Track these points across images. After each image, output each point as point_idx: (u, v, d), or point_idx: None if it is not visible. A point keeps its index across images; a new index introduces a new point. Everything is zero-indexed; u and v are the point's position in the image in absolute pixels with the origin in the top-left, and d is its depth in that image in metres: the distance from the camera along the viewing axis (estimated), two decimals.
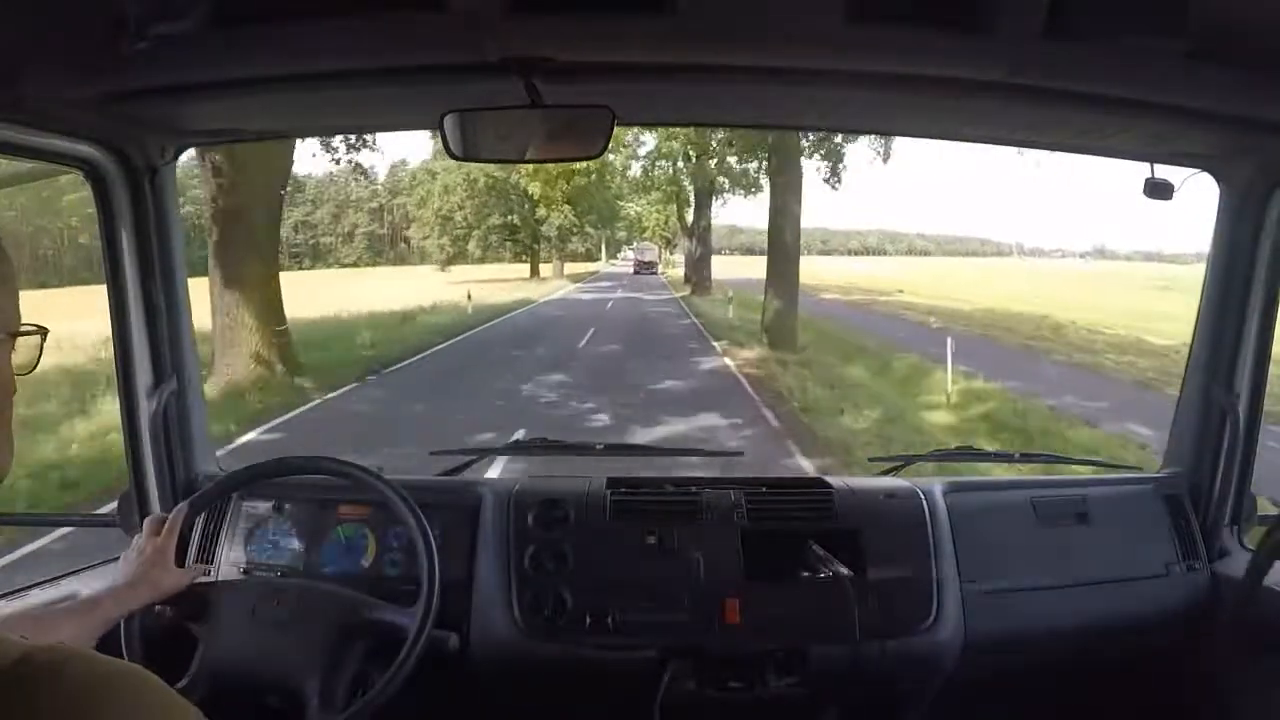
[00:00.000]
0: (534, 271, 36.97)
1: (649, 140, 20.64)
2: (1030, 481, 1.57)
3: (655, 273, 40.72)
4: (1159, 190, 1.32)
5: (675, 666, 1.24)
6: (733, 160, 19.78)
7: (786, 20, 0.87)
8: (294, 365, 9.23)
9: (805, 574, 1.28)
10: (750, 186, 21.86)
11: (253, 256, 9.04)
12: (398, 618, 1.14)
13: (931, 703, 1.37)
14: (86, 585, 1.28)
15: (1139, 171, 1.33)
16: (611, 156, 21.74)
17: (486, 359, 11.27)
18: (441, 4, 0.80)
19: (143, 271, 1.32)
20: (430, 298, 19.72)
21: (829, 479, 1.47)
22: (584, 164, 16.81)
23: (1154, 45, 0.85)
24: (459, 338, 13.74)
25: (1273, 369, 1.40)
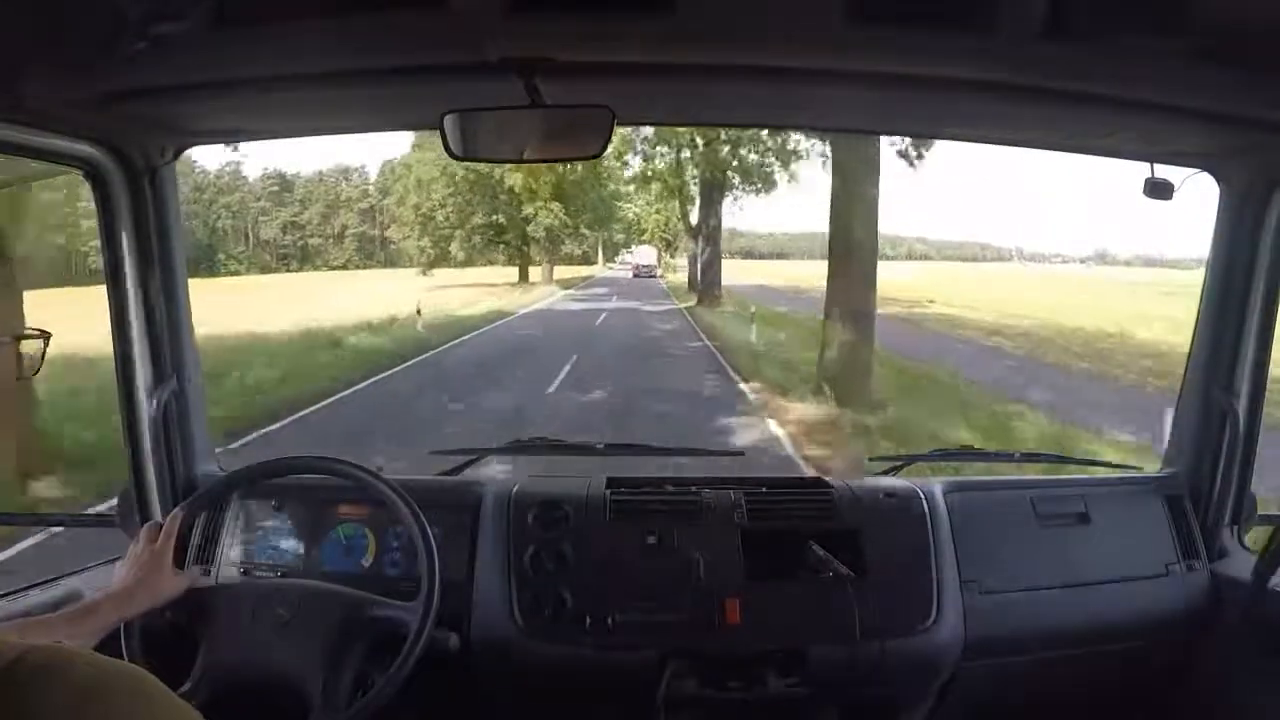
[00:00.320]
0: (523, 276, 33.48)
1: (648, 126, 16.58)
2: (1030, 481, 1.57)
3: (654, 275, 40.13)
4: (1159, 190, 1.32)
5: (675, 666, 1.24)
6: (745, 153, 18.49)
7: (786, 20, 0.87)
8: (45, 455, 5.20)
9: (805, 574, 1.28)
10: (764, 182, 20.30)
11: None
12: (399, 613, 1.14)
13: (932, 703, 1.37)
14: (86, 586, 1.28)
15: (1138, 175, 1.33)
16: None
17: (399, 421, 7.03)
18: (441, 4, 0.80)
19: (143, 271, 1.32)
20: (391, 308, 16.34)
21: (829, 479, 1.47)
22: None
23: (1154, 45, 0.85)
24: (384, 374, 9.76)
25: (1273, 369, 1.40)
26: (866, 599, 1.23)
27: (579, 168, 23.66)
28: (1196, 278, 1.47)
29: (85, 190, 1.25)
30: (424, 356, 11.50)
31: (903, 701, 1.36)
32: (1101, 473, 1.67)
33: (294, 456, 1.29)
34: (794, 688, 1.25)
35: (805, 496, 1.40)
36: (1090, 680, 1.44)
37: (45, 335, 0.59)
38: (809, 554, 1.29)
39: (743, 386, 9.00)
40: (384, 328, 14.49)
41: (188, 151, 1.37)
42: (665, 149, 20.30)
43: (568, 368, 9.84)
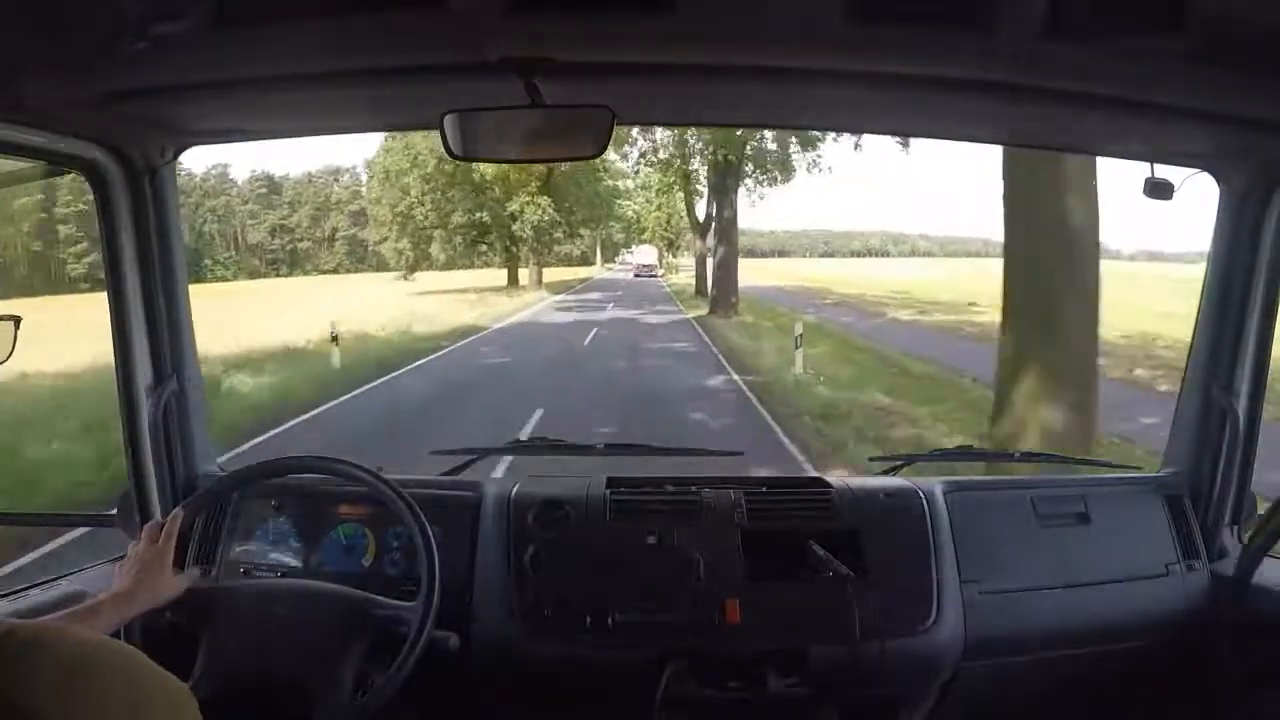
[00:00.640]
0: (512, 279, 29.40)
1: None
2: (1030, 481, 1.57)
3: (655, 275, 39.99)
4: (1159, 190, 1.32)
5: (675, 666, 1.24)
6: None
7: (786, 20, 0.87)
8: None
9: (805, 574, 1.28)
10: (782, 170, 18.10)
11: None
12: (400, 613, 1.14)
13: (932, 703, 1.37)
14: (86, 586, 1.27)
15: (1139, 169, 1.33)
16: None
17: None
18: (441, 4, 0.80)
19: (143, 271, 1.32)
20: (349, 322, 13.15)
21: (829, 479, 1.47)
22: None
23: (1154, 45, 0.85)
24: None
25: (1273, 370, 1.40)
26: (866, 599, 1.23)
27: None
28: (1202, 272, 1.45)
29: (63, 195, 1.24)
30: (311, 414, 7.50)
31: (903, 701, 1.36)
32: (1101, 473, 1.67)
33: (294, 456, 1.29)
34: (794, 688, 1.25)
35: (805, 496, 1.40)
36: (1090, 680, 1.44)
37: (15, 320, 0.59)
38: (809, 554, 1.29)
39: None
40: (288, 360, 10.41)
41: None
42: (669, 131, 17.65)
43: (533, 421, 6.55)
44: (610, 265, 52.61)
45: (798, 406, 7.46)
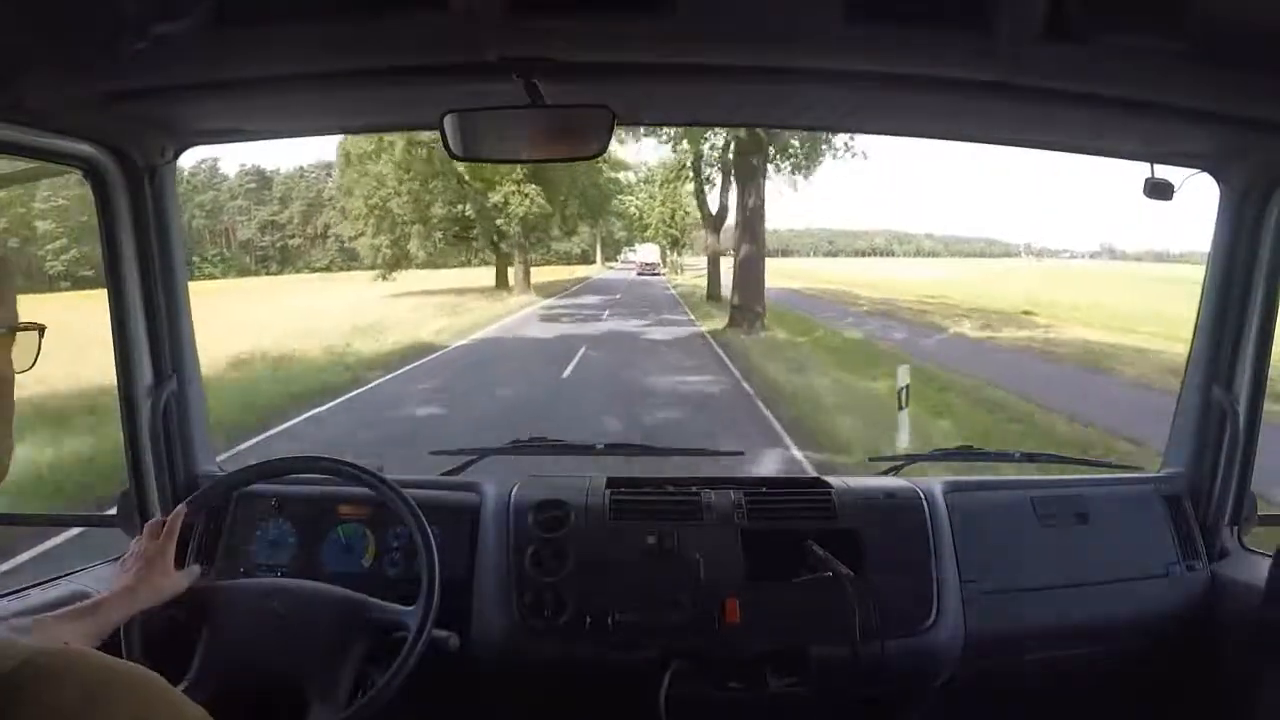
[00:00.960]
0: (501, 279, 25.88)
1: None
2: (1030, 481, 1.57)
3: (657, 273, 39.77)
4: (1159, 190, 1.32)
5: (675, 666, 1.24)
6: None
7: (786, 20, 0.87)
8: None
9: (805, 574, 1.28)
10: (809, 158, 15.48)
11: None
12: (398, 617, 1.14)
13: (932, 702, 1.37)
14: (86, 585, 1.28)
15: (1141, 169, 1.33)
16: None
17: None
18: (441, 4, 0.80)
19: (143, 271, 1.32)
20: (263, 338, 11.07)
21: (829, 479, 1.47)
22: None
23: (1154, 45, 0.85)
24: None
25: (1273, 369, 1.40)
26: (866, 599, 1.23)
27: None
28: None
29: (42, 190, 1.21)
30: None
31: (903, 701, 1.36)
32: (1101, 473, 1.67)
33: (294, 456, 1.29)
34: (794, 688, 1.25)
35: (805, 496, 1.40)
36: (1090, 680, 1.44)
37: (40, 328, 0.59)
38: (809, 554, 1.29)
39: None
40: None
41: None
42: None
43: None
44: (611, 264, 50.56)
45: None
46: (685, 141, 16.52)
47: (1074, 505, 1.44)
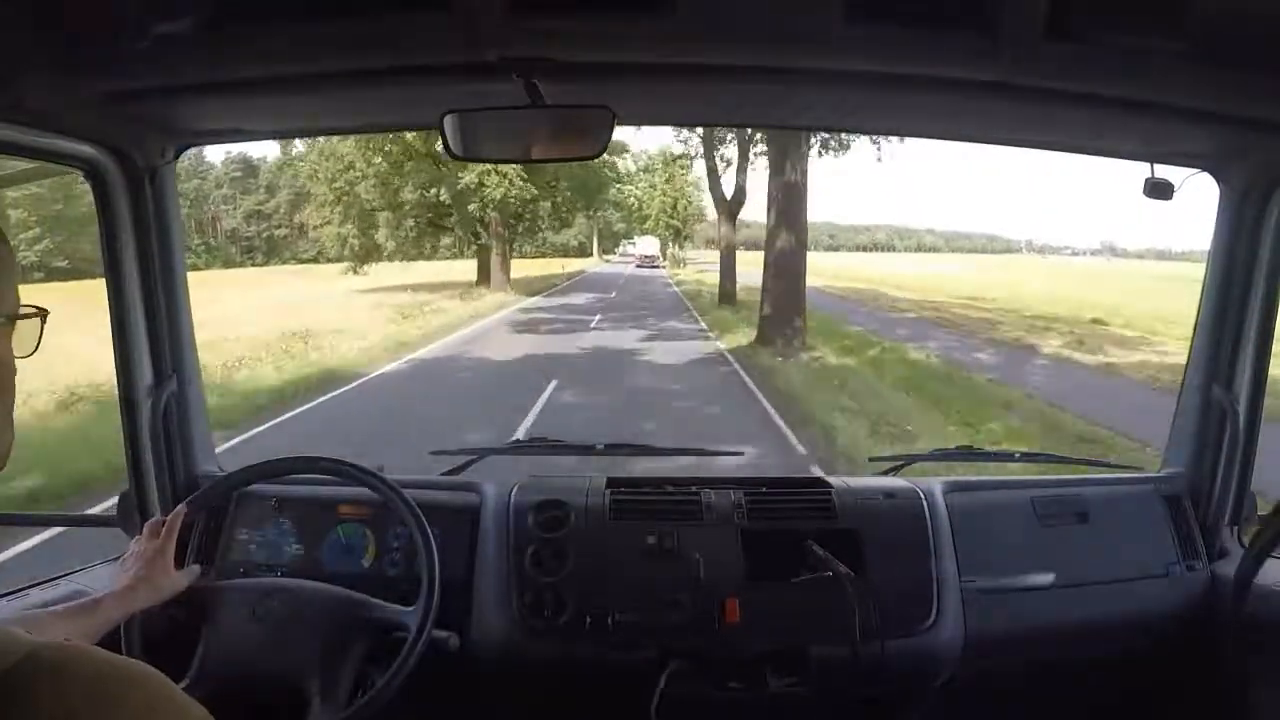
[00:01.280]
0: (483, 274, 22.61)
1: None
2: (1030, 481, 1.57)
3: (656, 266, 39.31)
4: (1159, 190, 1.32)
5: (675, 666, 1.24)
6: None
7: (786, 20, 0.87)
8: None
9: (805, 574, 1.28)
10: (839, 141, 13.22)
11: None
12: (398, 617, 1.14)
13: (932, 702, 1.37)
14: (86, 585, 1.28)
15: (1142, 167, 1.33)
16: None
17: None
18: (442, 4, 0.80)
19: (143, 271, 1.32)
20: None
21: (829, 479, 1.47)
22: None
23: (1154, 45, 0.85)
24: None
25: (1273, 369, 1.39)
26: (866, 599, 1.23)
27: None
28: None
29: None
30: None
31: (902, 701, 1.36)
32: (1101, 473, 1.67)
33: (294, 456, 1.29)
34: (794, 688, 1.25)
35: (805, 496, 1.40)
36: (1090, 680, 1.44)
37: (42, 312, 0.58)
38: (809, 554, 1.29)
39: None
40: None
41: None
42: None
43: None
44: (609, 257, 49.06)
45: None
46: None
47: (1074, 505, 1.44)
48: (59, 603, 1.19)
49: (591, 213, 28.40)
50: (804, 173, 11.70)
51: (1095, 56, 0.89)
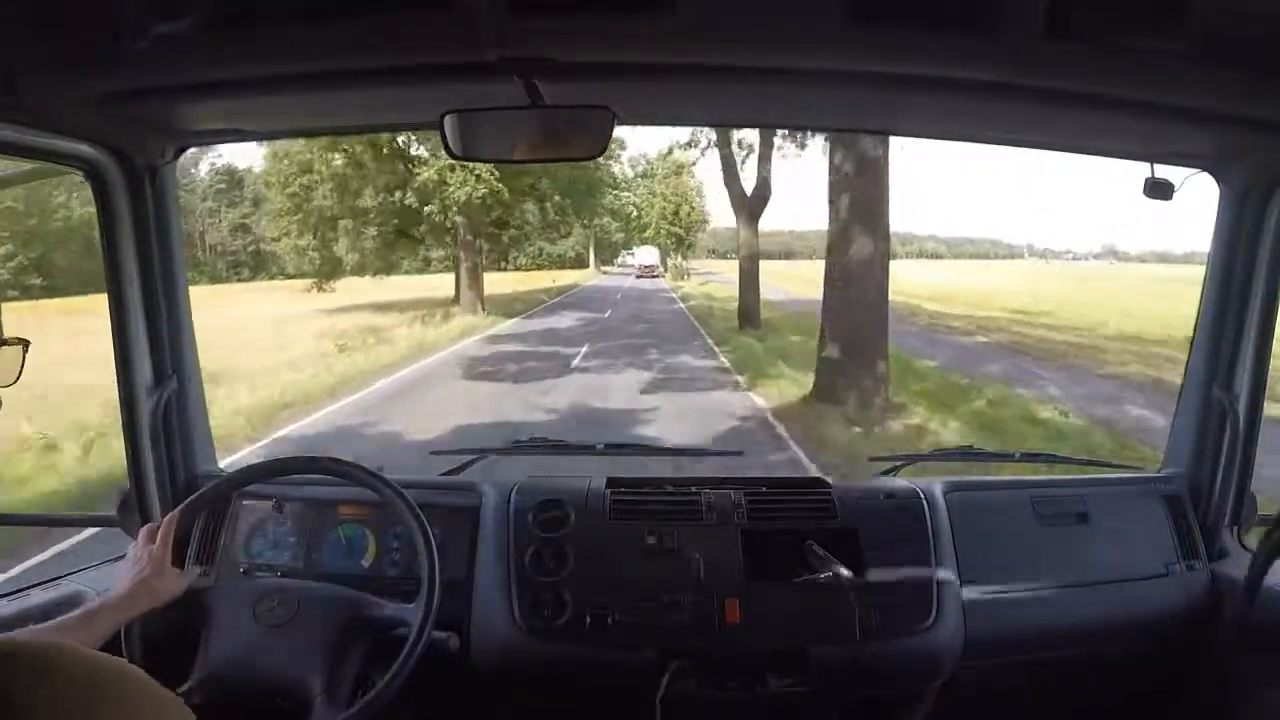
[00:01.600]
0: (459, 292, 19.35)
1: None
2: (1030, 481, 1.57)
3: (656, 275, 39.35)
4: (1159, 190, 1.32)
5: (675, 666, 1.24)
6: None
7: (786, 20, 0.87)
8: None
9: (805, 574, 1.28)
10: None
11: None
12: (399, 616, 1.14)
13: (932, 702, 1.37)
14: (86, 586, 1.28)
15: (1142, 168, 1.33)
16: None
17: None
18: (442, 4, 0.80)
19: (143, 271, 1.32)
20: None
21: (829, 479, 1.47)
22: None
23: (1154, 45, 0.85)
24: None
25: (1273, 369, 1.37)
26: (866, 599, 1.23)
27: None
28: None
29: None
30: None
31: (902, 701, 1.36)
32: (1101, 473, 1.67)
33: (294, 456, 1.29)
34: (794, 688, 1.25)
35: (805, 496, 1.40)
36: (1090, 680, 1.44)
37: (24, 343, 0.58)
38: (809, 554, 1.29)
39: None
40: None
41: None
42: None
43: None
44: (607, 268, 46.75)
45: None
46: None
47: (1074, 505, 1.44)
48: (59, 603, 1.20)
49: (587, 221, 25.01)
50: (885, 146, 7.60)
51: (1095, 56, 0.89)
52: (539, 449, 1.62)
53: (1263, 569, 1.20)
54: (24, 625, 1.06)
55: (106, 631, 1.01)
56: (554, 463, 1.63)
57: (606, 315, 17.62)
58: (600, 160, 17.74)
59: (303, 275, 20.76)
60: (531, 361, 10.53)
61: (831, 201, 7.69)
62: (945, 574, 1.32)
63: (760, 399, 7.89)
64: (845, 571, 1.24)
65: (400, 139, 16.74)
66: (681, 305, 20.84)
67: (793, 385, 8.15)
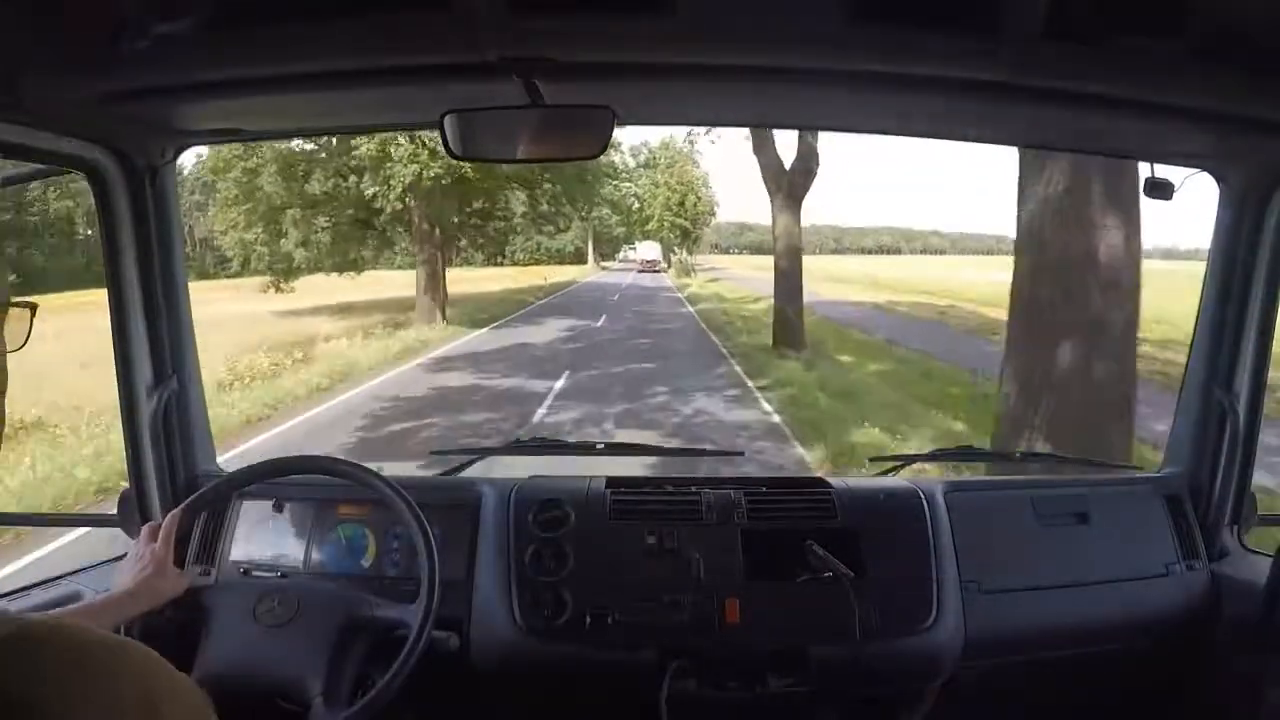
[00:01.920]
0: (422, 294, 16.66)
1: None
2: (1030, 481, 1.57)
3: (657, 270, 38.94)
4: (1159, 190, 1.32)
5: (675, 666, 1.24)
6: None
7: (787, 20, 0.87)
8: None
9: (805, 574, 1.28)
10: None
11: None
12: (399, 616, 1.14)
13: (932, 702, 1.37)
14: (87, 586, 1.28)
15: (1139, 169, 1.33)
16: None
17: None
18: (442, 4, 0.80)
19: (143, 271, 1.32)
20: None
21: (829, 479, 1.47)
22: None
23: (1154, 45, 0.85)
24: None
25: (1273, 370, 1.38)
26: (866, 599, 1.23)
27: None
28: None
29: None
30: None
31: (903, 701, 1.36)
32: (1101, 473, 1.67)
33: (294, 456, 1.29)
34: (794, 688, 1.25)
35: (805, 496, 1.40)
36: (1090, 680, 1.44)
37: (32, 306, 0.59)
38: (809, 554, 1.29)
39: None
40: None
41: None
42: None
43: None
44: (607, 264, 45.34)
45: None
46: None
47: (1074, 505, 1.44)
48: (60, 602, 1.20)
49: (584, 212, 22.19)
50: None
51: (1095, 56, 0.89)
52: (539, 449, 1.62)
53: (1257, 569, 1.20)
54: None
55: (107, 627, 1.01)
56: (554, 463, 1.63)
57: (599, 324, 14.85)
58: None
59: (241, 273, 18.47)
60: (471, 413, 6.96)
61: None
62: (945, 574, 1.32)
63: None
64: (845, 571, 1.24)
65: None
66: (690, 309, 18.56)
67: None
